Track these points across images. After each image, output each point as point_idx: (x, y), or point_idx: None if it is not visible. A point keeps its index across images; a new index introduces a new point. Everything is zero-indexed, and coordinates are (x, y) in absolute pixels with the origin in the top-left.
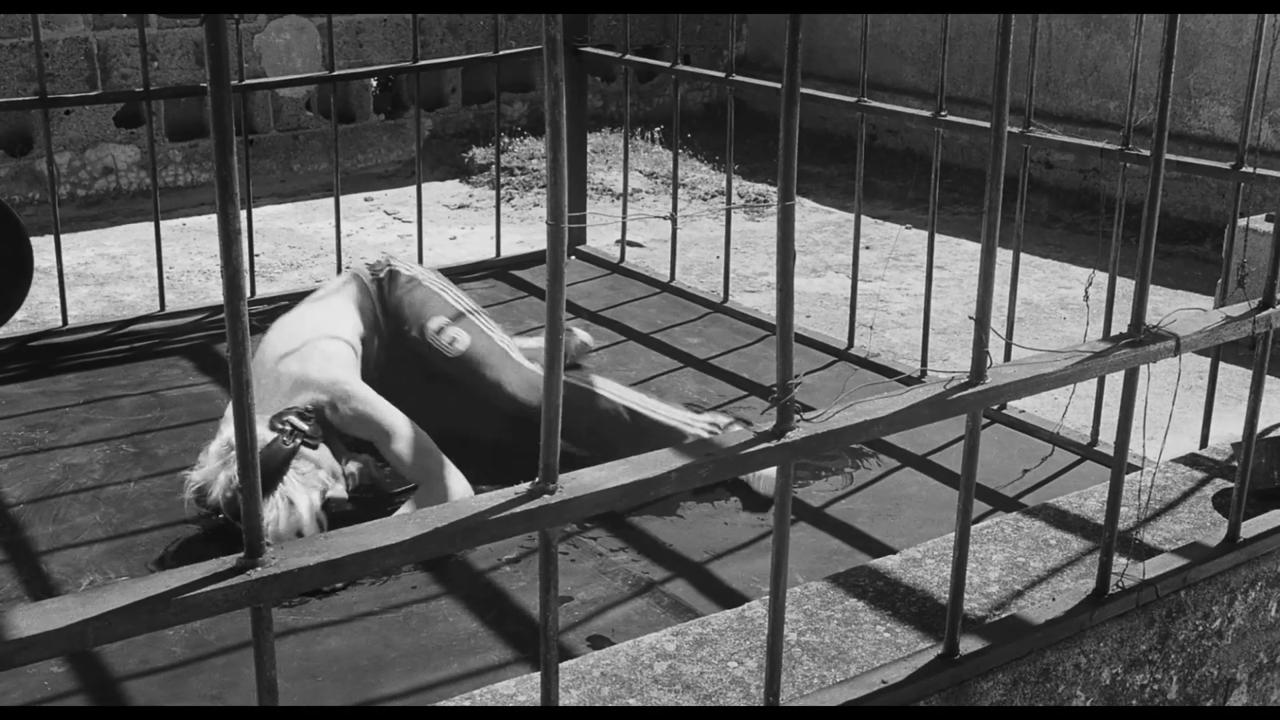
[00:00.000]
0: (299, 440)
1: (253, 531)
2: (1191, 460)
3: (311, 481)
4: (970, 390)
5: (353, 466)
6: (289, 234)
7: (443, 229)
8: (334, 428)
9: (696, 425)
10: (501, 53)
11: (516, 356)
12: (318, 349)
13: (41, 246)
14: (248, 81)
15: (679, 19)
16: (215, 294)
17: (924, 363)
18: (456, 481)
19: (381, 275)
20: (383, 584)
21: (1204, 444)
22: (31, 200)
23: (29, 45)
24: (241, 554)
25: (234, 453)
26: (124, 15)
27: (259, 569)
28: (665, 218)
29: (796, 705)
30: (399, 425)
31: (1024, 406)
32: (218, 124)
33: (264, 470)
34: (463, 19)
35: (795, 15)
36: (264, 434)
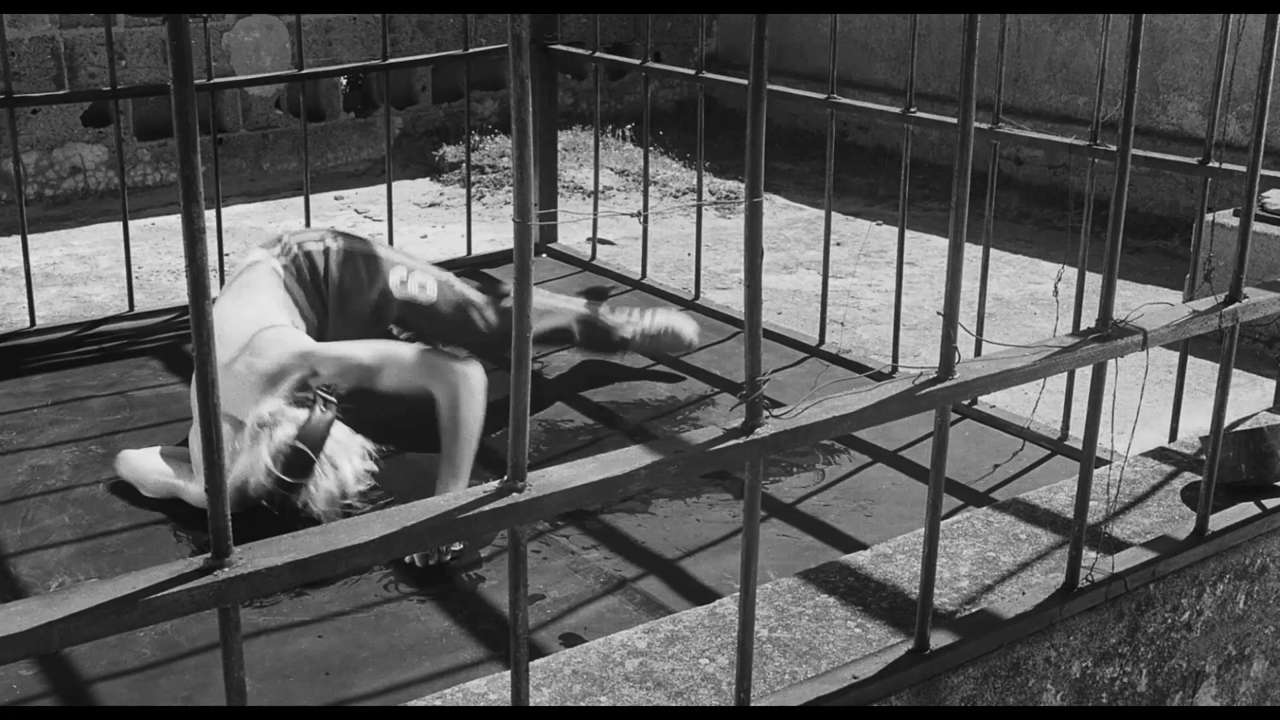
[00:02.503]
0: (334, 406)
1: (219, 532)
2: (1160, 454)
3: (351, 445)
4: (939, 385)
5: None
6: (259, 233)
7: (414, 227)
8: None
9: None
10: (471, 50)
11: (471, 293)
12: (264, 339)
13: (9, 247)
14: (216, 80)
15: (649, 17)
16: (184, 294)
17: (895, 359)
18: (467, 365)
19: (296, 254)
20: (354, 583)
21: (1173, 438)
22: None
23: None
24: (208, 555)
25: (264, 431)
26: (91, 14)
27: (226, 570)
28: (635, 215)
29: (767, 704)
30: (380, 354)
31: (995, 402)
32: (181, 123)
33: (312, 441)
34: (433, 17)
35: (762, 14)
36: (295, 412)
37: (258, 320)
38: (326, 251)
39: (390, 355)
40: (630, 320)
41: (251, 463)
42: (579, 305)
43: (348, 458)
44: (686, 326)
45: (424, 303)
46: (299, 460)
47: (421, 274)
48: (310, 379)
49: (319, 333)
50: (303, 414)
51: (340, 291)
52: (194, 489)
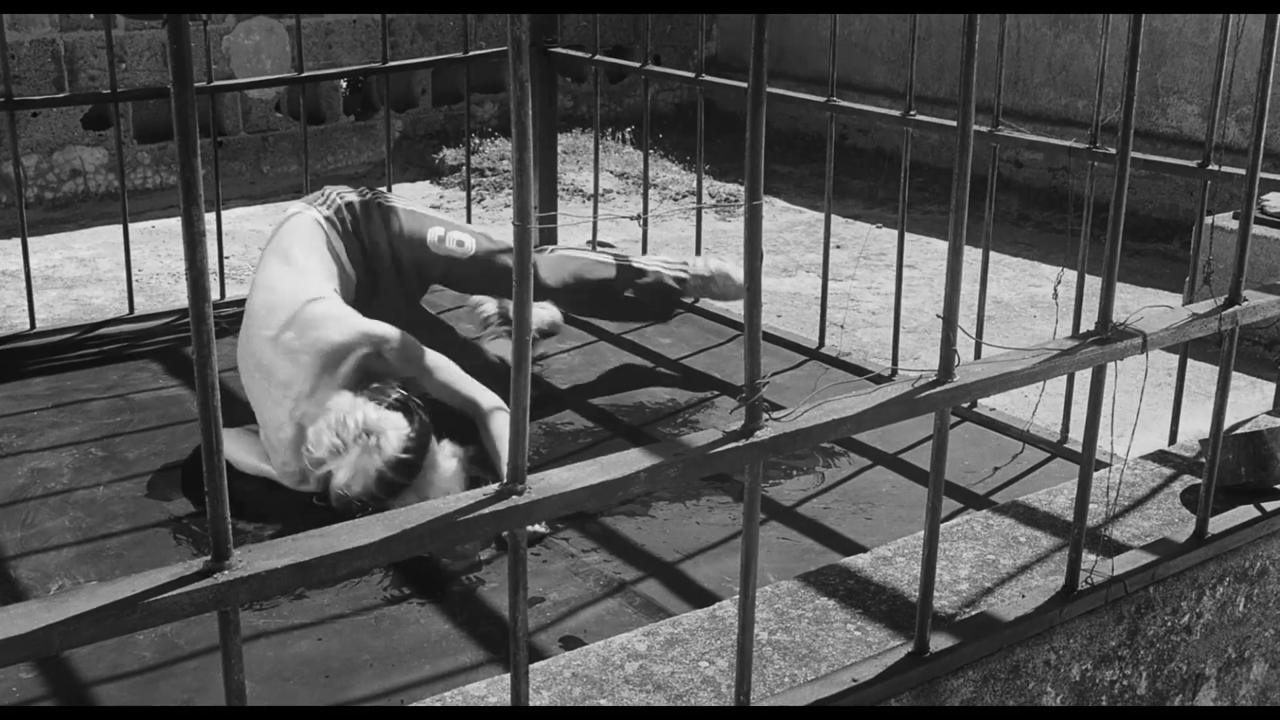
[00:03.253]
0: (422, 408)
1: (219, 534)
2: (1160, 457)
3: (445, 451)
4: (938, 388)
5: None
6: (259, 236)
7: None
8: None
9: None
10: (471, 54)
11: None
12: (314, 313)
13: (9, 249)
14: (216, 83)
15: (649, 20)
16: (184, 297)
17: (895, 361)
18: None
19: (339, 205)
20: (354, 585)
21: (1172, 440)
22: None
23: None
24: (208, 557)
25: (373, 440)
26: (91, 17)
27: (226, 572)
28: (635, 218)
29: (768, 705)
30: (439, 357)
31: (994, 404)
32: (181, 127)
33: (419, 452)
34: (432, 20)
35: (761, 16)
36: (397, 419)
37: (305, 289)
38: (368, 204)
39: (445, 367)
40: (681, 265)
41: (362, 469)
42: (624, 258)
43: (452, 452)
44: (737, 271)
45: (462, 258)
46: (406, 470)
47: (459, 231)
48: (373, 359)
49: (365, 291)
50: (405, 424)
51: (386, 244)
52: (277, 471)
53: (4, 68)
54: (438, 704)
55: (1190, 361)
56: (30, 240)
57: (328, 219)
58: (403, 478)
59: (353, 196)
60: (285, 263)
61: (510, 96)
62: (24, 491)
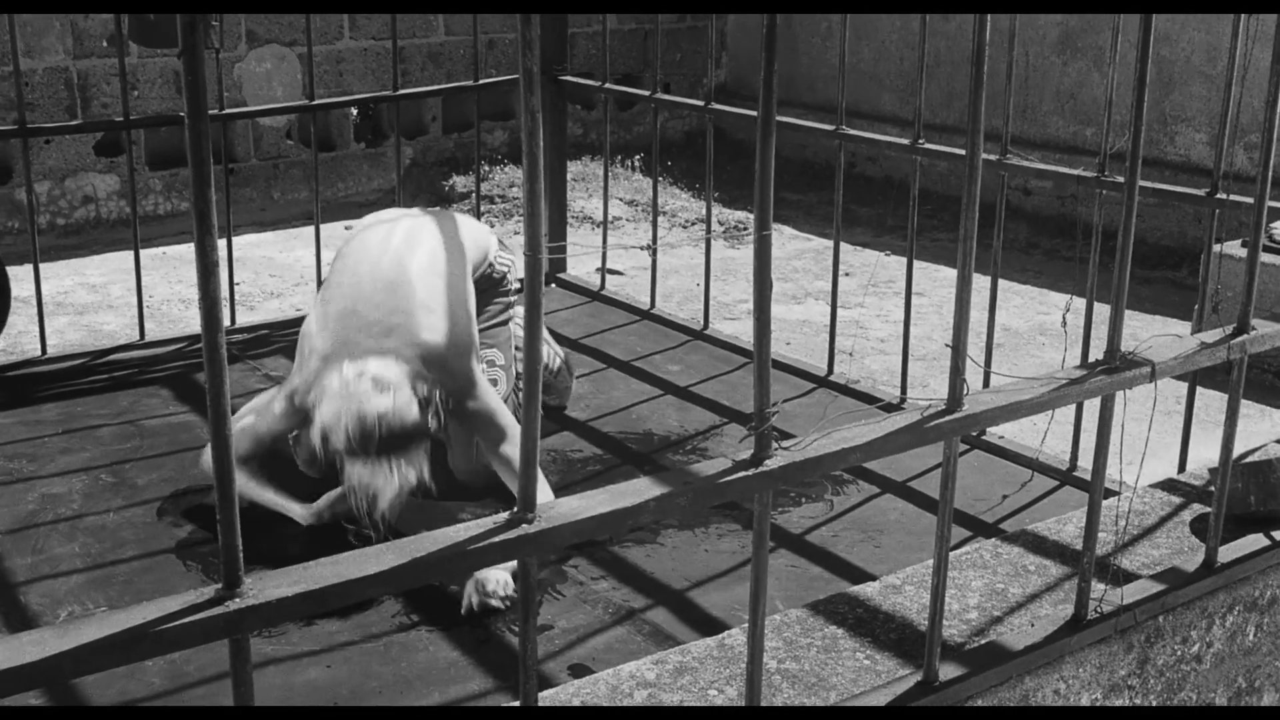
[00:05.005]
0: (434, 430)
1: (231, 563)
2: (1169, 485)
3: (415, 461)
4: (947, 417)
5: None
6: (269, 262)
7: None
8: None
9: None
10: (482, 82)
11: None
12: (459, 326)
13: (21, 276)
14: (228, 111)
15: (658, 48)
16: (195, 323)
17: (903, 389)
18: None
19: (500, 272)
20: (363, 612)
21: (1182, 469)
22: (10, 229)
23: (8, 74)
24: (219, 584)
25: (406, 463)
26: (104, 44)
27: (237, 600)
28: (645, 248)
29: None
30: (516, 429)
31: (1003, 432)
32: (195, 157)
33: (397, 432)
34: (443, 48)
35: (772, 33)
36: (403, 398)
37: (464, 299)
38: (503, 279)
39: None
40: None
41: (397, 486)
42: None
43: (415, 469)
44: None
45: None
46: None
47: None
48: (451, 398)
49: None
50: (415, 412)
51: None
52: (298, 509)
53: (18, 95)
54: None
55: (1199, 389)
56: (42, 266)
57: (487, 267)
58: (384, 439)
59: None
60: (455, 255)
61: (522, 128)
62: (34, 517)
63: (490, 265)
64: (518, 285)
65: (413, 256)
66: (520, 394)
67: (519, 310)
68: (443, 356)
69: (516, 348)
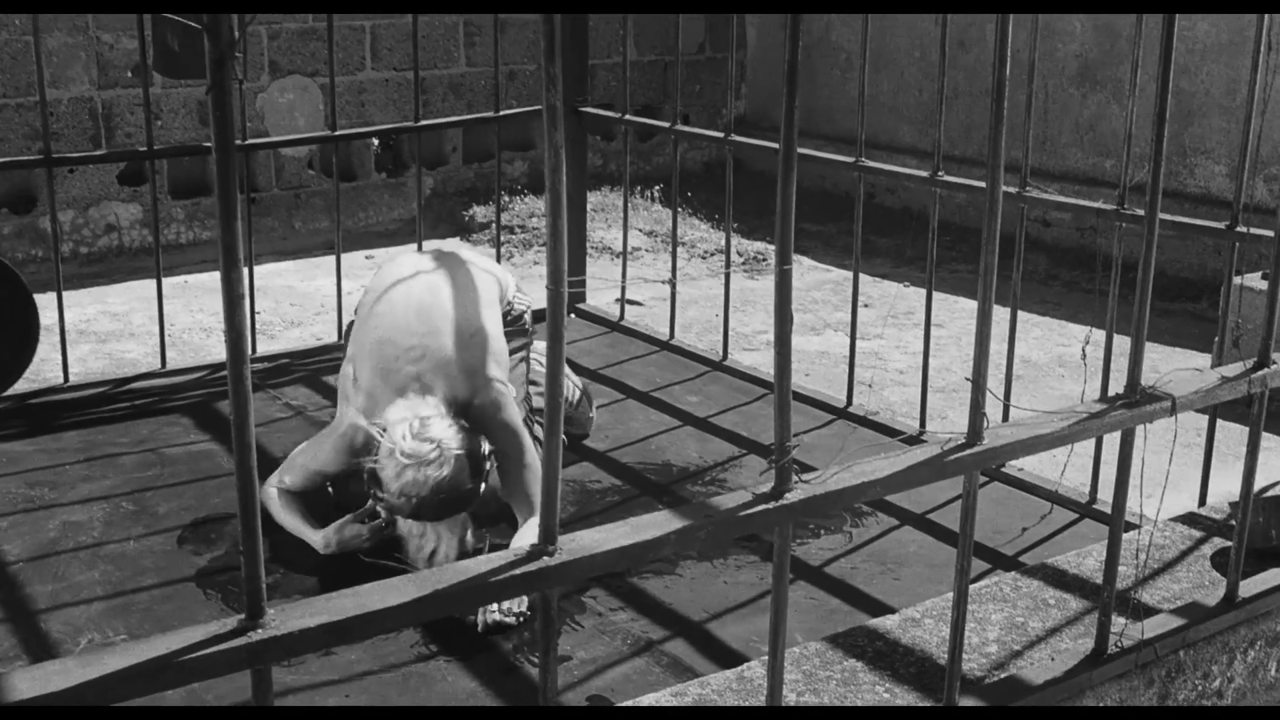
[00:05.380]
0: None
1: (254, 593)
2: (1189, 519)
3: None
4: (967, 451)
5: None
6: (290, 291)
7: None
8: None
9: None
10: (503, 113)
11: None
12: (494, 341)
13: (44, 304)
14: (251, 141)
15: (678, 79)
16: (216, 351)
17: (922, 421)
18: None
19: (518, 310)
20: (382, 642)
21: (1202, 502)
22: (34, 258)
23: (34, 104)
24: (242, 615)
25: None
26: (129, 74)
27: (260, 631)
28: (665, 282)
29: None
30: (533, 454)
31: (1022, 464)
32: (223, 190)
33: (451, 502)
34: (464, 79)
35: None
36: (459, 466)
37: (493, 329)
38: (519, 318)
39: (536, 462)
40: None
41: (452, 544)
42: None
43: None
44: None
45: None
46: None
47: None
48: (489, 405)
49: None
50: (457, 446)
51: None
52: (316, 537)
53: (44, 125)
54: None
55: (1220, 422)
56: (65, 294)
57: (505, 307)
58: (446, 503)
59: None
60: (482, 298)
61: (545, 163)
62: (55, 545)
63: (509, 304)
64: (530, 324)
65: (444, 283)
66: (534, 424)
67: (539, 344)
68: (473, 367)
69: (532, 382)
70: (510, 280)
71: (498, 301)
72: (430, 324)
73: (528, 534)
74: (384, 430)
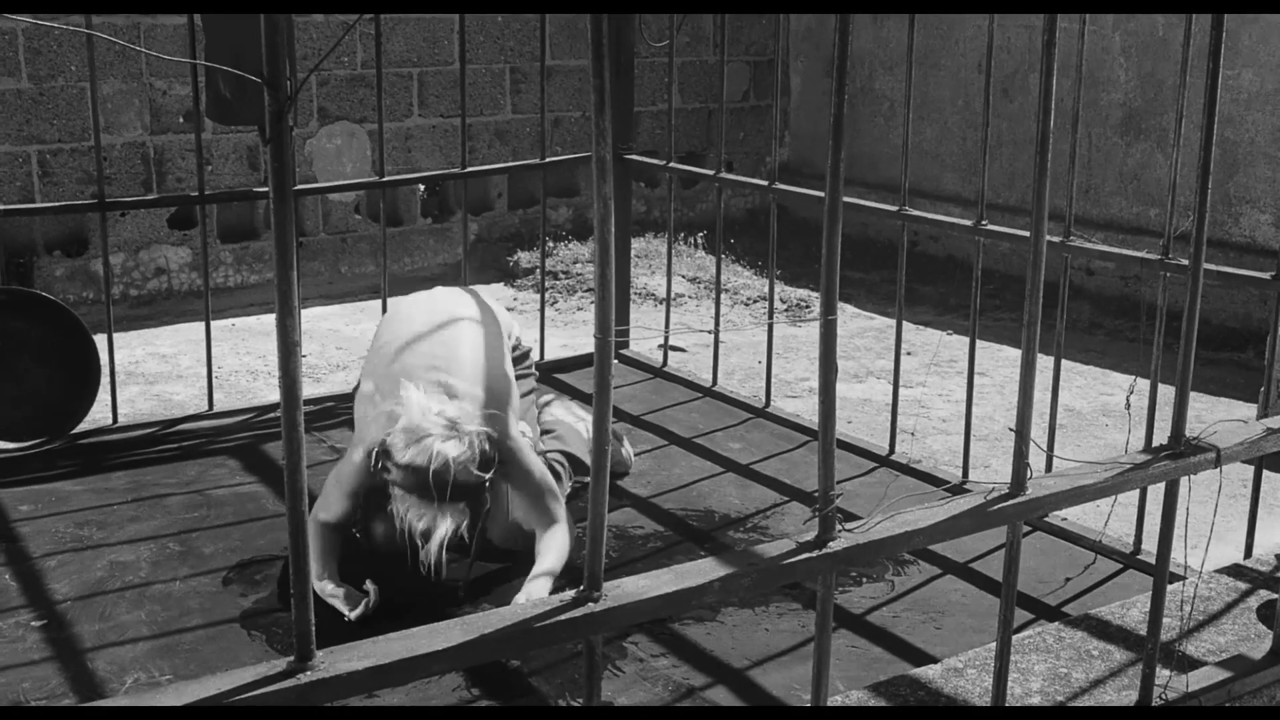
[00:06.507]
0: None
1: (303, 636)
2: (1235, 571)
3: (466, 511)
4: (1010, 502)
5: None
6: (336, 335)
7: None
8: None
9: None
10: (548, 160)
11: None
12: (514, 388)
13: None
14: (300, 186)
15: (723, 126)
16: (263, 394)
17: (965, 470)
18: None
19: (524, 349)
20: (424, 685)
21: (1248, 554)
22: (85, 299)
23: (88, 149)
24: (291, 658)
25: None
26: (180, 120)
27: (308, 673)
28: (708, 332)
29: None
30: (550, 480)
31: (1066, 514)
32: (280, 238)
33: (461, 482)
34: (509, 126)
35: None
36: (475, 450)
37: (508, 368)
38: (525, 357)
39: (561, 512)
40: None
41: (450, 527)
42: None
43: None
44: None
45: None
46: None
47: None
48: (501, 447)
49: None
50: (470, 449)
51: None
52: (324, 586)
53: (98, 170)
54: None
55: (1266, 473)
56: (115, 336)
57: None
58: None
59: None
60: (496, 333)
61: (594, 214)
62: (102, 584)
63: (517, 341)
64: (533, 366)
65: (460, 306)
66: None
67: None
68: (482, 400)
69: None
70: (513, 320)
71: (507, 337)
72: (453, 350)
73: (546, 559)
74: (400, 405)
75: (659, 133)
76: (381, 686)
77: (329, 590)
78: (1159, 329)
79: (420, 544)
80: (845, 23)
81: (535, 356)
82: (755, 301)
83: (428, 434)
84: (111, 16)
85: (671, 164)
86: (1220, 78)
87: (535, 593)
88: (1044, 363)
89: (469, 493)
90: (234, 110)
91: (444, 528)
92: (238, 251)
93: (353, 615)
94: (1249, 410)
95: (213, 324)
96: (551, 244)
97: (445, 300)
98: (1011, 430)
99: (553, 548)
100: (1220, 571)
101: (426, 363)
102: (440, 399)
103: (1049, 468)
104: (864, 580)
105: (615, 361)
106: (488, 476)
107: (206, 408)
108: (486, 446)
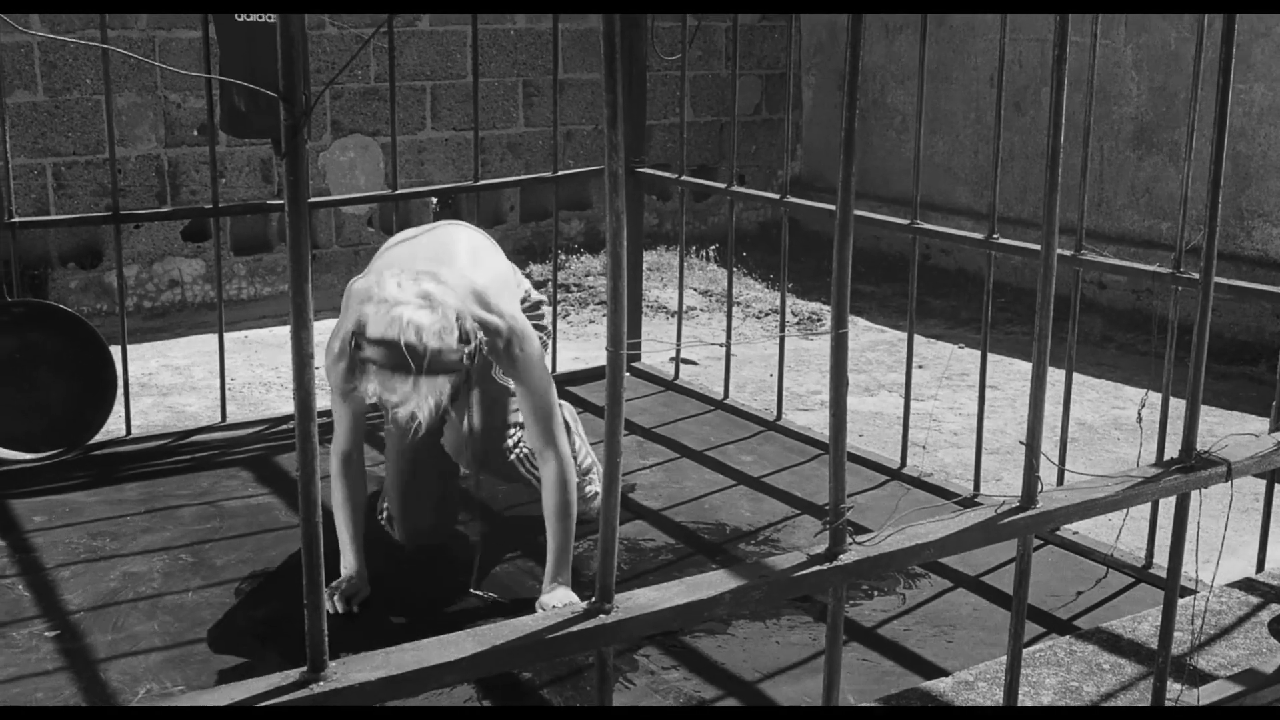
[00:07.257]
0: (472, 364)
1: (316, 646)
2: (1246, 585)
3: (436, 391)
4: (1021, 515)
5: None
6: None
7: None
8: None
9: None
10: (560, 173)
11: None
12: (511, 277)
13: None
14: (314, 199)
15: (735, 140)
16: (276, 406)
17: (977, 484)
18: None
19: (534, 299)
20: (435, 696)
21: (1260, 568)
22: (99, 311)
23: (103, 162)
24: (304, 668)
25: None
26: (195, 133)
27: (321, 683)
28: (720, 345)
29: None
30: (551, 387)
31: (1077, 528)
32: (295, 251)
33: (435, 354)
34: (522, 139)
35: (849, 149)
36: (449, 321)
37: (509, 271)
38: (535, 306)
39: (554, 404)
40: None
41: (431, 406)
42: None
43: (435, 398)
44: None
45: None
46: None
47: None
48: (500, 339)
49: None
50: (457, 343)
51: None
52: (351, 561)
53: (113, 183)
54: None
55: (1278, 487)
56: (128, 348)
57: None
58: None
59: (541, 301)
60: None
61: (607, 227)
62: (115, 595)
63: (527, 293)
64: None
65: (460, 230)
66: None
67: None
68: (486, 301)
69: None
70: (524, 277)
71: (517, 286)
72: (446, 253)
73: (555, 541)
74: (377, 286)
75: (671, 146)
76: (394, 697)
77: (348, 564)
78: (1170, 343)
79: (402, 424)
80: (857, 33)
81: (548, 364)
82: (767, 314)
83: (400, 303)
84: (126, 30)
85: (684, 177)
86: (1232, 92)
87: (554, 601)
88: (1055, 376)
89: (444, 367)
90: (248, 123)
91: (419, 406)
92: (251, 264)
93: (338, 608)
94: (1261, 424)
95: (226, 336)
96: (563, 257)
97: (446, 224)
98: (1023, 444)
99: (557, 509)
100: (1232, 585)
101: (415, 253)
102: (423, 280)
103: (1060, 481)
104: (875, 593)
105: (627, 374)
106: (469, 349)
107: (220, 419)
108: (467, 322)
